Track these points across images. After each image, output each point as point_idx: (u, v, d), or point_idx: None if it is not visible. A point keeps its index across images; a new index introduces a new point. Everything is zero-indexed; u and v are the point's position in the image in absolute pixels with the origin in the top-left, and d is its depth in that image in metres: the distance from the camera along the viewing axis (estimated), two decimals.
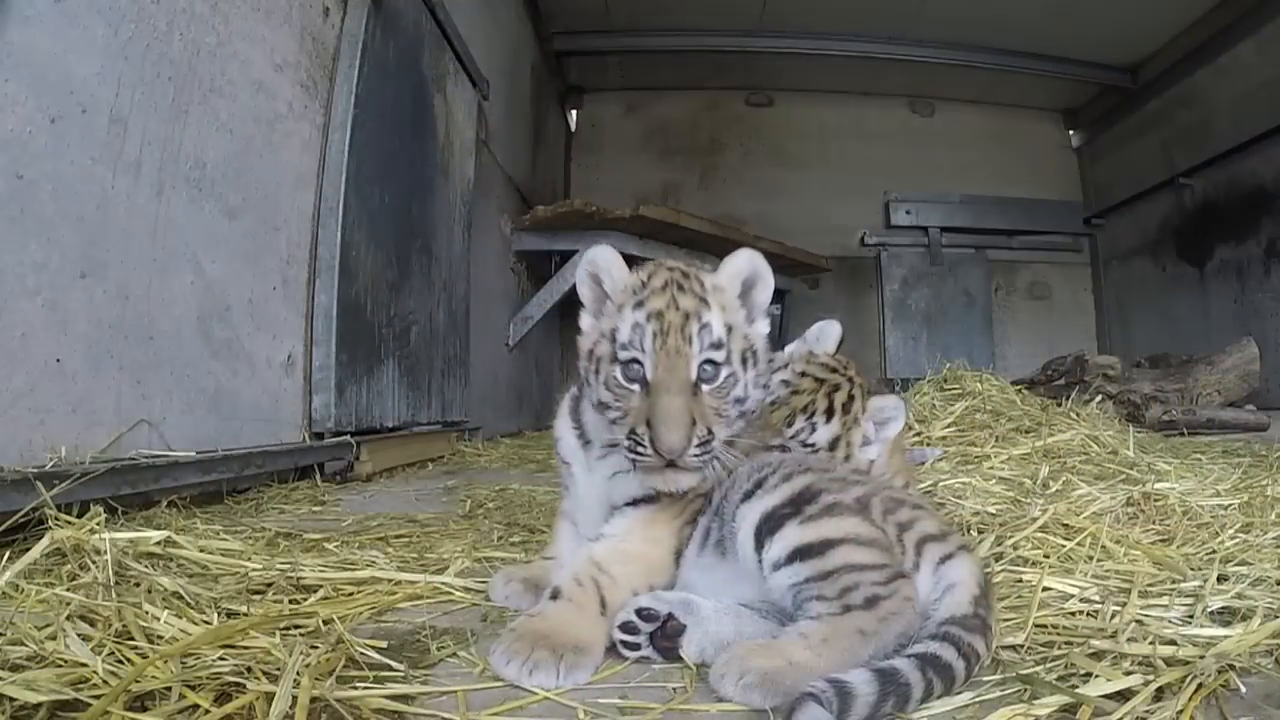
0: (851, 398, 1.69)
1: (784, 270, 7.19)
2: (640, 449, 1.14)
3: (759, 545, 1.12)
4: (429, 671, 1.09)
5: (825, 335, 1.84)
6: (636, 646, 1.12)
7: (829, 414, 1.66)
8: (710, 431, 1.15)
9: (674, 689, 1.03)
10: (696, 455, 1.14)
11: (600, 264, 1.31)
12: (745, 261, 1.30)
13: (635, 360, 1.19)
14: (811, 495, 1.14)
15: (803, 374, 1.70)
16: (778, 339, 5.48)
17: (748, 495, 1.18)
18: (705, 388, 1.18)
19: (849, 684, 0.90)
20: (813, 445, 1.64)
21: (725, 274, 1.29)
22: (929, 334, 9.01)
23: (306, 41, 3.10)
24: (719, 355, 1.19)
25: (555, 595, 1.16)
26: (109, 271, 2.08)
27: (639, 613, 1.13)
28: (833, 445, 1.65)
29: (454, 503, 2.61)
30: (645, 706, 0.97)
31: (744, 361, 1.22)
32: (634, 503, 1.26)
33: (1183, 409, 4.60)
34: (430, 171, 4.30)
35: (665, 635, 1.11)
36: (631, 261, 1.33)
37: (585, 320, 1.33)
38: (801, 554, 1.07)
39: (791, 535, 1.09)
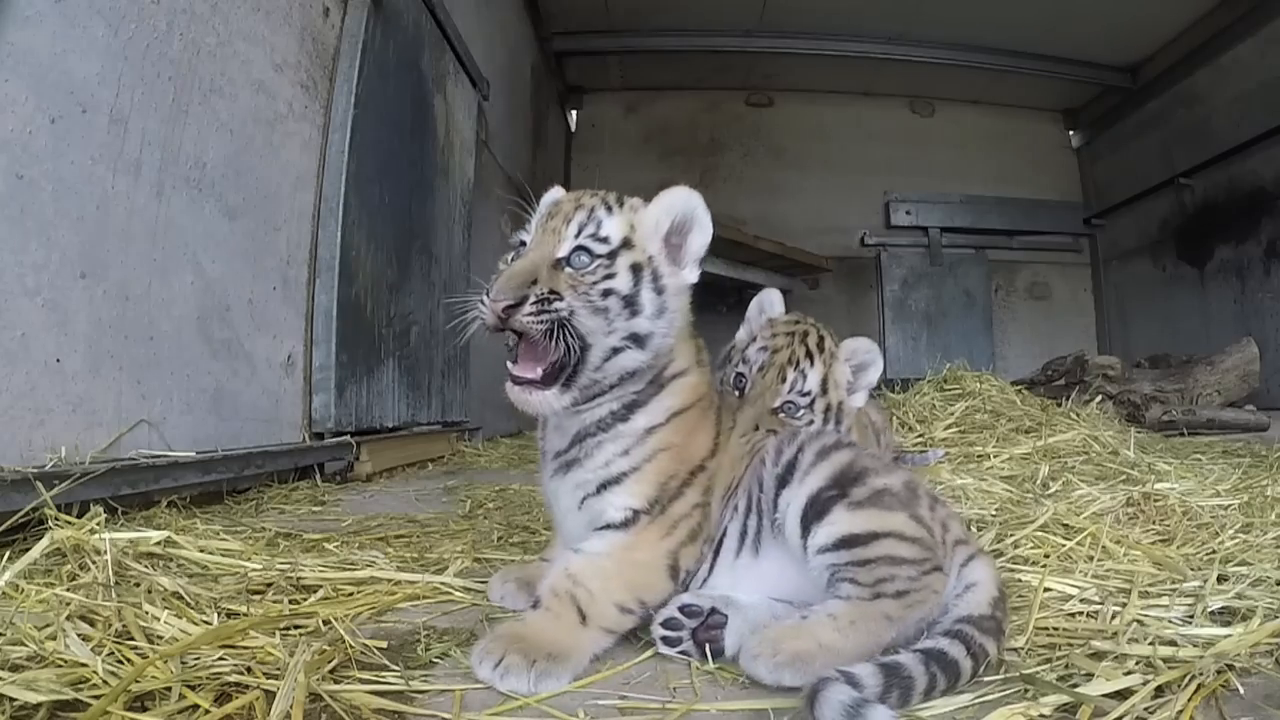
0: (821, 337, 1.86)
1: (784, 270, 7.19)
2: (481, 304, 1.10)
3: (805, 530, 1.11)
4: (428, 672, 1.09)
5: (771, 302, 1.98)
6: (678, 641, 1.12)
7: (809, 357, 1.80)
8: (555, 293, 1.09)
9: (674, 689, 1.03)
10: (531, 315, 1.07)
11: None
12: (682, 199, 1.24)
13: (522, 242, 1.23)
14: (856, 475, 1.13)
15: (773, 335, 1.84)
16: None
17: (783, 481, 1.16)
18: (569, 270, 1.14)
19: (856, 676, 0.91)
20: (809, 393, 1.77)
21: (655, 203, 1.25)
22: (929, 334, 9.01)
23: (306, 41, 3.10)
24: (599, 248, 1.15)
25: (535, 604, 1.15)
26: (109, 271, 2.08)
27: (683, 609, 1.13)
28: (824, 387, 1.79)
29: (454, 503, 2.61)
30: (645, 706, 0.97)
31: (636, 275, 1.16)
32: (607, 528, 1.19)
33: (1183, 409, 4.60)
34: (430, 171, 4.29)
35: (707, 628, 1.12)
36: None
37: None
38: (848, 542, 1.08)
39: (840, 521, 1.09)
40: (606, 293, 1.13)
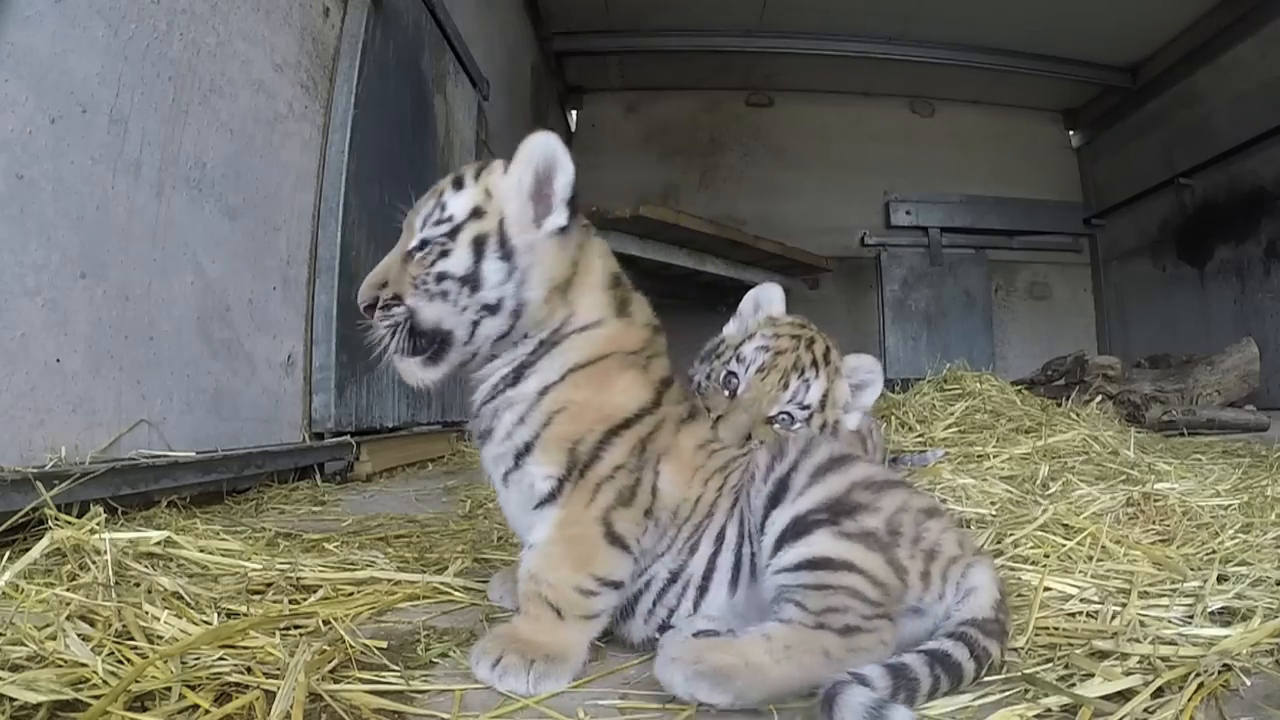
0: (828, 348, 1.70)
1: (784, 270, 7.19)
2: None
3: (777, 548, 1.06)
4: (428, 672, 1.09)
5: (770, 298, 1.81)
6: None
7: (815, 366, 1.64)
8: (396, 296, 1.14)
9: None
10: (380, 320, 1.15)
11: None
12: (539, 146, 1.16)
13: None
14: (851, 508, 1.06)
15: (776, 335, 1.66)
16: None
17: (775, 499, 1.09)
18: (413, 262, 1.16)
19: (866, 678, 0.91)
20: (809, 407, 1.62)
21: (515, 159, 1.18)
22: (929, 334, 9.01)
23: (306, 41, 3.10)
24: (439, 231, 1.16)
25: (518, 610, 1.14)
26: (109, 272, 2.08)
27: (697, 636, 1.08)
28: (823, 402, 1.63)
29: (454, 503, 2.61)
30: (645, 707, 0.97)
31: (477, 248, 1.14)
32: (542, 504, 1.15)
33: (1183, 409, 4.60)
34: (430, 171, 4.29)
35: None
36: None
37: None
38: (815, 565, 1.02)
39: (818, 544, 1.03)
40: (441, 276, 1.14)
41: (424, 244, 1.16)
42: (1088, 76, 8.56)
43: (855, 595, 0.99)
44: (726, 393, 1.62)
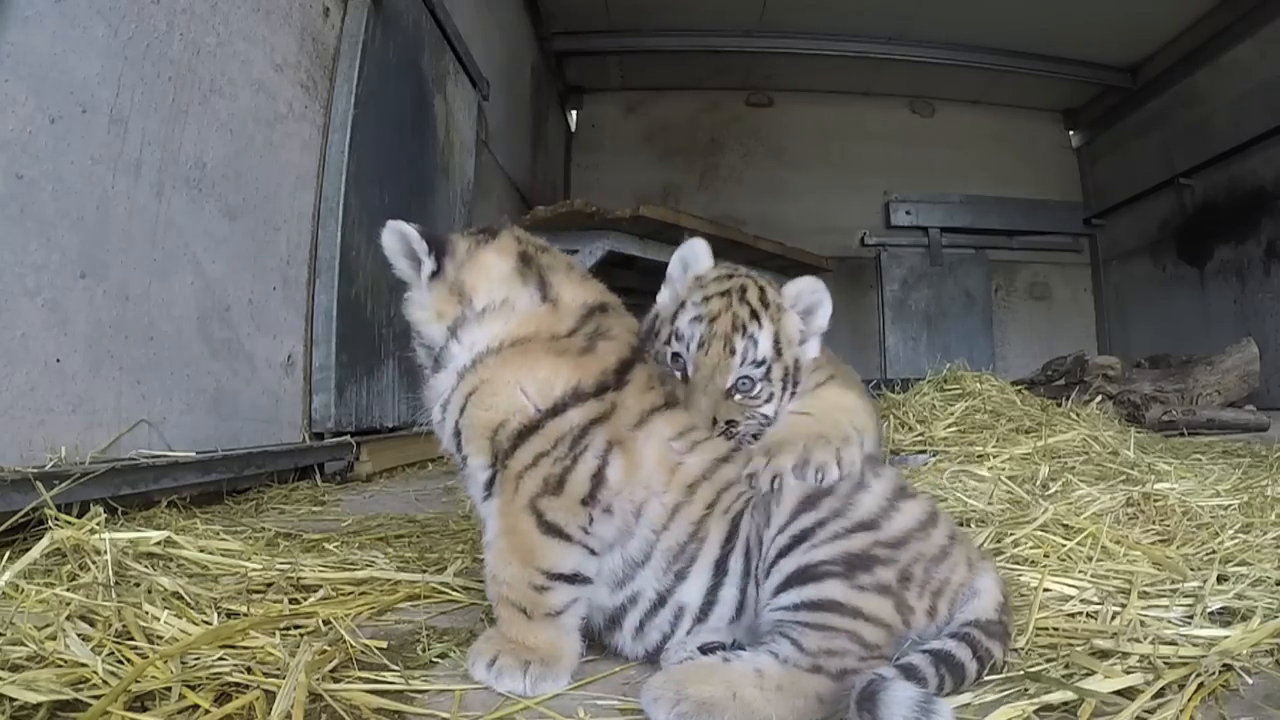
0: (762, 289, 1.51)
1: (784, 270, 7.19)
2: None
3: (783, 588, 1.01)
4: (428, 672, 1.09)
5: (696, 255, 1.60)
6: None
7: (755, 317, 1.46)
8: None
9: None
10: None
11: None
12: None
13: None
14: (867, 561, 1.01)
15: (705, 299, 1.47)
16: None
17: (786, 551, 1.04)
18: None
19: (884, 675, 0.90)
20: (764, 361, 1.44)
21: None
22: (929, 334, 9.01)
23: (306, 41, 3.11)
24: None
25: (494, 618, 1.13)
26: (109, 272, 2.08)
27: (702, 649, 1.07)
28: (777, 349, 1.46)
29: (454, 503, 2.61)
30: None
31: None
32: (486, 498, 1.15)
33: (1183, 409, 4.60)
34: (430, 171, 4.30)
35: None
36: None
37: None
38: (823, 606, 0.97)
39: (828, 590, 0.98)
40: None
41: None
42: (1088, 76, 8.56)
43: (856, 640, 0.96)
44: (678, 374, 1.45)
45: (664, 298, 1.57)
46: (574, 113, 9.40)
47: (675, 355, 1.45)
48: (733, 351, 1.42)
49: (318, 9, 3.19)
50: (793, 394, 1.47)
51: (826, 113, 9.39)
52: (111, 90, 2.07)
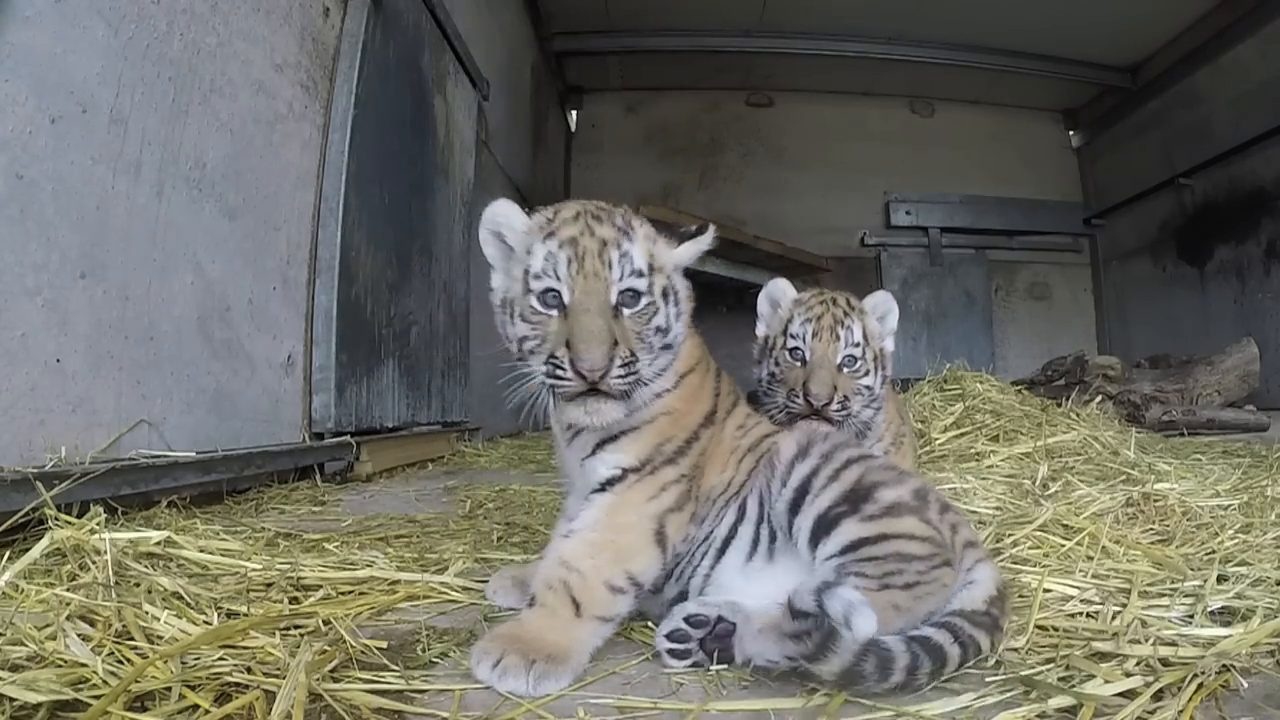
0: (847, 298, 2.05)
1: (784, 270, 7.19)
2: (560, 372, 1.08)
3: (814, 544, 1.12)
4: (428, 672, 1.09)
5: (783, 290, 2.13)
6: (686, 654, 1.10)
7: (847, 315, 1.98)
8: (634, 354, 1.11)
9: (677, 683, 1.03)
10: (620, 378, 1.09)
11: (500, 219, 1.28)
12: (708, 240, 1.29)
13: (551, 288, 1.15)
14: (866, 491, 1.13)
15: (809, 308, 2.00)
16: None
17: (795, 506, 1.16)
18: (626, 311, 1.14)
19: (839, 636, 0.95)
20: (859, 344, 1.96)
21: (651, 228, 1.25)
22: (929, 334, 9.01)
23: (306, 41, 3.10)
24: (640, 284, 1.15)
25: (531, 602, 1.14)
26: (109, 272, 2.08)
27: (688, 619, 1.12)
28: (865, 338, 1.98)
29: (454, 503, 2.61)
30: (645, 707, 0.97)
31: (665, 296, 1.19)
32: (601, 488, 1.20)
33: (1183, 409, 4.60)
34: (430, 171, 4.29)
35: (716, 637, 1.10)
36: None
37: (495, 279, 1.30)
38: (855, 545, 1.09)
39: (849, 530, 1.10)
40: (660, 329, 1.18)
41: (630, 294, 1.16)
42: (1088, 76, 8.56)
43: (905, 558, 1.07)
44: (798, 364, 1.97)
45: (762, 329, 2.12)
46: (574, 113, 9.40)
47: (794, 349, 1.98)
48: (837, 337, 1.95)
49: (318, 9, 3.19)
50: (884, 377, 2.02)
51: (826, 113, 9.39)
52: (111, 90, 2.07)
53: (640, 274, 1.16)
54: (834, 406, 1.87)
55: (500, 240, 1.29)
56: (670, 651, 1.11)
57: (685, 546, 1.24)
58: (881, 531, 1.09)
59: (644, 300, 1.16)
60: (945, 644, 1.00)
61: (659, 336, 1.17)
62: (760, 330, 2.14)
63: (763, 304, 2.13)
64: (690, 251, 1.27)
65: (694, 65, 8.77)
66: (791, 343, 1.98)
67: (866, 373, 1.98)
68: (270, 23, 2.84)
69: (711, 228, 1.31)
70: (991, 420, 3.32)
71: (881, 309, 2.09)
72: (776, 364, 2.02)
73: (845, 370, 1.95)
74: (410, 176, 4.02)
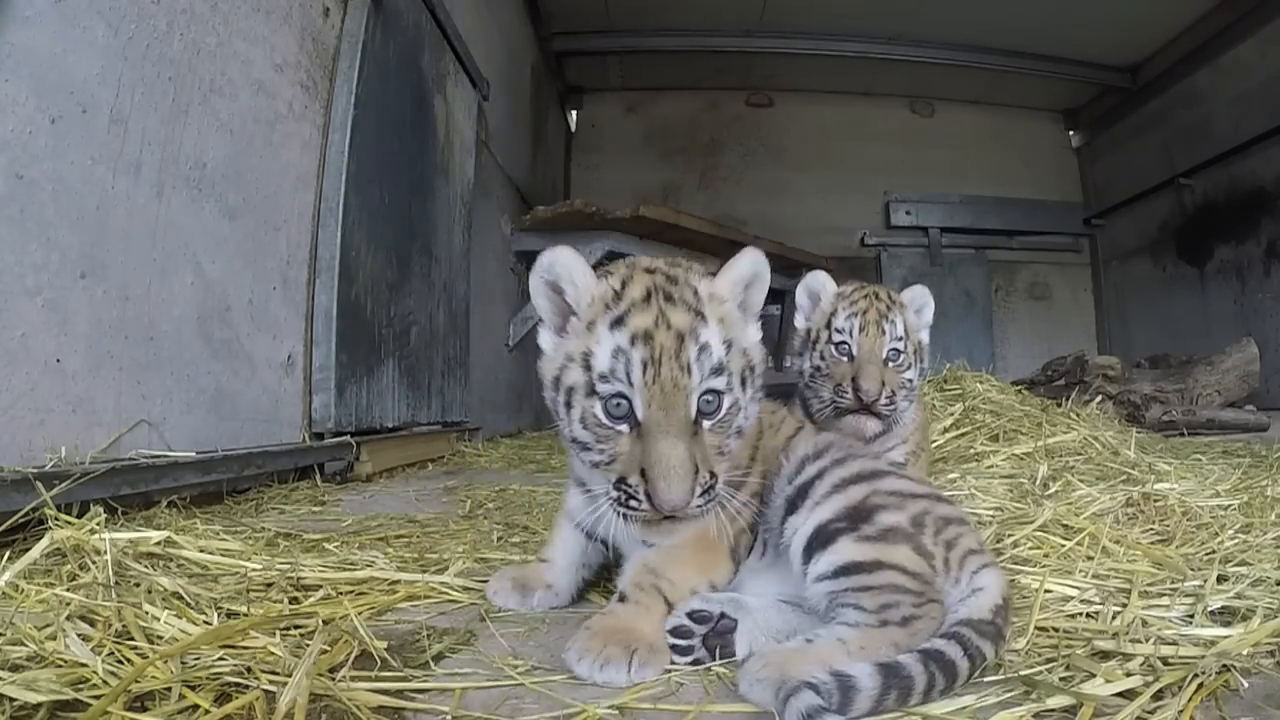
0: (889, 294, 2.11)
1: (784, 270, 7.19)
2: (634, 502, 1.00)
3: (808, 557, 1.11)
4: (428, 671, 1.09)
5: (822, 283, 2.15)
6: (689, 650, 1.11)
7: (890, 309, 2.02)
8: (713, 475, 1.05)
9: (676, 683, 1.03)
10: (700, 506, 1.04)
11: (560, 270, 1.08)
12: (748, 264, 1.15)
13: (620, 395, 1.01)
14: (868, 512, 1.11)
15: (853, 302, 2.04)
16: (777, 341, 5.48)
17: (793, 506, 1.16)
18: (707, 423, 1.04)
19: (853, 678, 0.90)
20: (902, 337, 2.02)
21: (727, 279, 1.14)
22: (929, 334, 9.00)
23: (306, 42, 3.10)
24: (720, 383, 1.04)
25: (622, 598, 1.16)
26: (109, 272, 2.08)
27: (691, 615, 1.12)
28: (906, 331, 2.04)
29: (454, 503, 2.61)
30: (644, 707, 0.97)
31: (744, 382, 1.09)
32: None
33: (1183, 409, 4.60)
34: (430, 171, 4.29)
35: (717, 634, 1.11)
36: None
37: (545, 339, 1.12)
38: (849, 570, 1.06)
39: (845, 550, 1.07)
40: (739, 431, 1.17)
41: (712, 397, 1.09)
42: (1088, 77, 8.57)
43: (897, 589, 1.05)
44: (845, 359, 2.00)
45: (801, 321, 2.16)
46: (574, 113, 9.40)
47: (840, 344, 2.01)
48: (883, 332, 1.99)
49: (318, 9, 3.19)
50: (922, 370, 2.11)
51: (826, 113, 9.40)
52: (111, 90, 2.07)
53: (720, 370, 1.04)
54: (883, 401, 1.91)
55: (556, 294, 1.10)
56: (673, 647, 1.11)
57: (747, 552, 1.27)
58: (876, 558, 1.07)
59: (725, 404, 1.05)
60: (957, 658, 0.98)
61: (737, 439, 1.10)
62: (800, 323, 2.16)
63: (801, 296, 2.16)
64: (757, 297, 1.17)
65: (694, 65, 8.78)
66: (837, 337, 2.01)
67: (909, 366, 2.02)
68: (270, 23, 2.84)
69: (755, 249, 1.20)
70: (991, 420, 3.32)
71: (919, 302, 2.14)
72: (821, 358, 2.04)
73: (890, 364, 1.99)
74: (410, 176, 4.02)
